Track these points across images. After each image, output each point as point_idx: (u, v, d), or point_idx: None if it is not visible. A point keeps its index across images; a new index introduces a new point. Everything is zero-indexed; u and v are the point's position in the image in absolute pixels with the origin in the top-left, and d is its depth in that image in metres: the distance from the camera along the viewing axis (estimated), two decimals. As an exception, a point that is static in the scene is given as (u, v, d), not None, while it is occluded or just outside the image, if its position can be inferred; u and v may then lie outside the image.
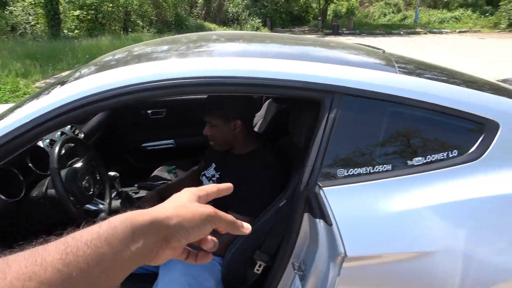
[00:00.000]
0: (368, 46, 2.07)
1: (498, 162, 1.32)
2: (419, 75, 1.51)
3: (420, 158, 1.31)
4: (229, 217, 0.57)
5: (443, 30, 22.15)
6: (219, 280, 1.65)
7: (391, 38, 19.58)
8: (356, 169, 1.29)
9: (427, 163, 1.31)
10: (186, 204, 0.54)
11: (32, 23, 17.38)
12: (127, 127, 2.90)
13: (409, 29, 22.24)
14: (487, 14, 24.17)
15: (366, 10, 31.09)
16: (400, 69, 1.46)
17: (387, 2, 28.95)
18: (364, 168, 1.29)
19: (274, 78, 1.27)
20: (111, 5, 18.00)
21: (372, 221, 1.25)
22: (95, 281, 0.41)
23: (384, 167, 1.30)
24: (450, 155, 1.32)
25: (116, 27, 18.93)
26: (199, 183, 1.87)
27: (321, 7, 26.55)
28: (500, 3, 22.57)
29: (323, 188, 1.25)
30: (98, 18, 18.09)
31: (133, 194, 2.29)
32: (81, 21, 18.09)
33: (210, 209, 0.55)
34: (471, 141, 1.34)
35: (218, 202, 1.74)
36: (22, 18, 17.24)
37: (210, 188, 0.62)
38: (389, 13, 28.49)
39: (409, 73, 1.46)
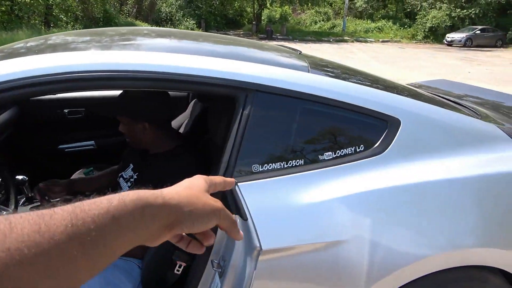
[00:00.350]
0: (287, 47, 2.14)
1: (399, 156, 1.43)
2: (330, 75, 1.59)
3: (330, 153, 1.38)
4: (233, 217, 0.58)
5: (368, 39, 23.60)
6: (138, 284, 1.60)
7: (321, 44, 20.44)
8: (270, 164, 1.33)
9: (336, 157, 1.39)
10: (198, 193, 0.54)
11: None
12: (41, 127, 2.71)
13: (337, 37, 23.40)
14: (406, 26, 26.17)
15: (299, 17, 32.15)
16: (312, 69, 1.53)
17: (317, 10, 30.19)
18: (278, 163, 1.33)
19: (184, 73, 1.27)
20: (28, -5, 16.79)
21: (285, 214, 1.29)
22: (94, 255, 0.40)
23: (297, 162, 1.35)
24: (358, 150, 1.41)
25: (36, 21, 17.68)
26: (115, 184, 1.80)
27: (255, 11, 26.99)
28: (416, 17, 24.54)
29: (238, 184, 1.27)
30: (14, 9, 16.75)
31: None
32: (-5, 13, 16.65)
33: (219, 203, 0.56)
34: (376, 136, 1.44)
35: None
36: None
37: (218, 180, 0.63)
38: (319, 21, 29.76)
39: (321, 72, 1.53)
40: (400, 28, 26.11)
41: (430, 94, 2.09)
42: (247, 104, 1.32)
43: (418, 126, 1.47)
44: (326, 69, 1.79)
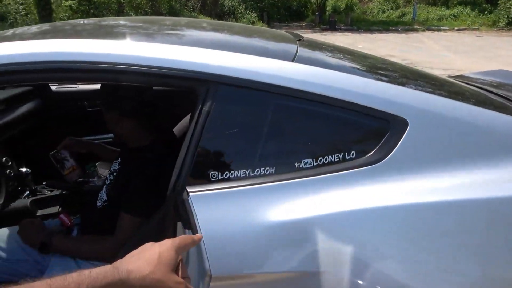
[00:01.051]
0: (291, 32, 1.86)
1: (403, 166, 1.12)
2: (322, 64, 1.31)
3: (309, 159, 1.12)
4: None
5: (441, 27, 21.84)
6: None
7: (387, 34, 19.29)
8: (232, 171, 1.10)
9: (318, 165, 1.12)
10: (162, 277, 0.60)
11: (22, 13, 17.11)
12: (62, 120, 2.69)
13: (406, 26, 21.94)
14: (486, 12, 23.85)
15: (365, 6, 30.72)
16: (301, 58, 1.26)
17: (386, -2, 28.58)
18: (243, 170, 1.10)
19: (126, 63, 1.07)
20: (103, -5, 17.76)
21: (247, 234, 1.06)
22: None
23: (267, 170, 1.10)
24: (347, 157, 1.13)
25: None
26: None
27: (318, 2, 26.22)
28: (499, 1, 22.27)
29: (190, 194, 1.06)
30: (90, 9, 17.82)
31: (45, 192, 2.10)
32: (74, 11, 17.81)
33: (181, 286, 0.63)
34: (373, 141, 1.15)
35: (113, 201, 1.59)
36: (12, 7, 16.98)
37: (187, 242, 0.70)
38: (387, 9, 28.13)
39: (311, 62, 1.26)
40: (479, 15, 23.83)
41: (473, 89, 1.70)
42: (207, 99, 1.10)
43: (433, 129, 1.15)
44: (323, 58, 1.50)
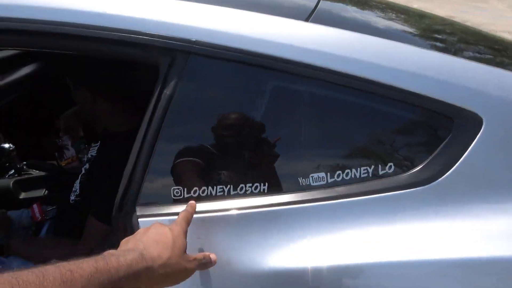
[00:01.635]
0: None
1: (471, 189, 0.72)
2: (353, 27, 0.87)
3: (322, 173, 0.73)
4: (202, 258, 0.65)
5: (508, -15, 19.66)
6: None
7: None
8: (204, 188, 0.74)
9: (334, 183, 0.73)
10: (179, 259, 0.61)
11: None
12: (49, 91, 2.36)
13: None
14: None
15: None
16: (321, 16, 0.85)
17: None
18: (219, 187, 0.74)
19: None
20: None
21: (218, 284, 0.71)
22: None
23: (256, 188, 0.74)
24: (380, 172, 0.73)
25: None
26: None
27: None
28: None
29: (139, 220, 0.72)
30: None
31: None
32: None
33: (193, 264, 0.63)
34: (425, 148, 0.74)
35: (87, 196, 1.30)
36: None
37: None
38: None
39: (335, 22, 0.84)
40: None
41: None
42: (170, 78, 0.73)
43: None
44: (354, 15, 1.06)
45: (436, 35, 1.10)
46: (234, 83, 0.75)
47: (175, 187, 0.74)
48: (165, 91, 0.73)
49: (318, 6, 0.89)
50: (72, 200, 1.30)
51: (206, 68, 0.74)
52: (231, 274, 0.71)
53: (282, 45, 0.73)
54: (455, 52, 0.94)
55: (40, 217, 1.36)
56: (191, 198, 0.73)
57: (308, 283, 0.71)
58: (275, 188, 0.74)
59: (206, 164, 0.75)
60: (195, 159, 0.76)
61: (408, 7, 1.42)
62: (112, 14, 0.73)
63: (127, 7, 0.75)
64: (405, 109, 0.73)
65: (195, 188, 0.74)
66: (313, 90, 0.73)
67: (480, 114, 0.72)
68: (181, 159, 0.76)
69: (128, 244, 0.61)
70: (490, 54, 1.08)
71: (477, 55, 1.04)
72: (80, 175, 1.32)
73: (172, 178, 0.75)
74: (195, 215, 0.68)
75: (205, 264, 0.65)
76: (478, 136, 0.71)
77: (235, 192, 0.73)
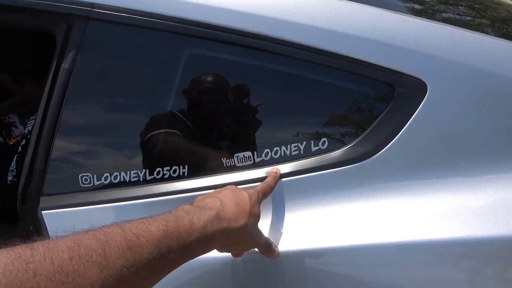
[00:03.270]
0: None
1: (411, 165, 0.65)
2: None
3: (247, 153, 0.65)
4: (269, 242, 0.61)
5: None
6: None
7: None
8: (116, 172, 0.66)
9: (261, 163, 0.66)
10: (253, 229, 0.57)
11: None
12: None
13: None
14: None
15: None
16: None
17: None
18: (134, 172, 0.65)
19: None
20: None
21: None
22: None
23: (174, 171, 0.66)
24: (313, 148, 0.66)
25: None
26: None
27: None
28: None
29: (43, 212, 0.64)
30: None
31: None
32: None
33: (261, 242, 0.59)
34: (361, 120, 0.66)
35: None
36: None
37: (266, 190, 0.62)
38: None
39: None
40: None
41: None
42: (69, 47, 0.63)
43: (475, 97, 0.65)
44: None
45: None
46: (143, 51, 0.65)
47: (83, 174, 0.65)
48: (63, 64, 0.63)
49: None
50: (9, 181, 1.21)
51: (110, 36, 0.64)
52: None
53: (199, 5, 0.62)
54: (410, 11, 0.84)
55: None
56: (99, 186, 0.65)
57: (252, 268, 0.66)
58: (195, 171, 0.66)
59: (112, 150, 0.66)
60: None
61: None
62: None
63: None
64: (338, 76, 0.64)
65: (104, 174, 0.65)
66: (234, 58, 0.64)
67: (424, 79, 0.64)
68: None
69: (205, 199, 0.56)
70: (459, 14, 0.98)
71: (443, 16, 0.94)
72: (16, 154, 1.23)
73: (78, 163, 0.66)
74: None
75: (268, 249, 0.60)
76: (421, 105, 0.64)
77: (151, 177, 0.65)
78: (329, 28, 0.61)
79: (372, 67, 0.62)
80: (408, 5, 0.91)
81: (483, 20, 0.95)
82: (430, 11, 0.92)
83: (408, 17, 0.69)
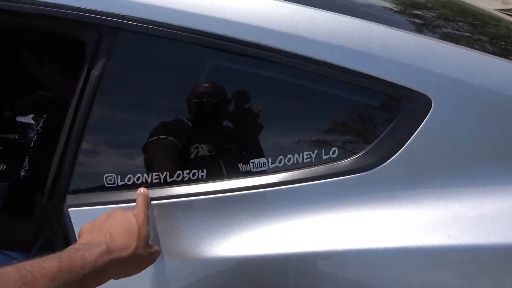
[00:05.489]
0: None
1: (416, 176, 0.69)
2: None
3: (262, 160, 0.70)
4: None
5: None
6: None
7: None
8: (139, 174, 0.70)
9: (275, 169, 0.70)
10: (142, 250, 0.59)
11: None
12: None
13: None
14: None
15: None
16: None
17: None
18: (155, 174, 0.70)
19: None
20: None
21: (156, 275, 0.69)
22: None
23: (194, 174, 0.70)
24: (324, 157, 0.70)
25: None
26: None
27: None
28: None
29: (69, 209, 0.68)
30: None
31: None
32: None
33: (153, 257, 0.62)
34: (369, 131, 0.71)
35: (35, 171, 1.24)
36: None
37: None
38: None
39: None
40: None
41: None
42: (98, 56, 0.67)
43: (475, 112, 0.70)
44: None
45: (409, 10, 1.04)
46: (169, 61, 0.70)
47: (108, 174, 0.69)
48: (93, 71, 0.67)
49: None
50: (22, 176, 1.24)
51: (138, 46, 0.68)
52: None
53: (220, 20, 0.67)
54: (417, 29, 0.89)
55: (-11, 195, 1.32)
56: (123, 186, 0.70)
57: (257, 270, 0.70)
58: (212, 175, 0.70)
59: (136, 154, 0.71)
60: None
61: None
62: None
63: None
64: (349, 90, 0.69)
65: (127, 175, 0.70)
66: (252, 70, 0.69)
67: (428, 95, 0.68)
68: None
69: (92, 233, 0.58)
70: (459, 31, 1.03)
71: (444, 32, 0.99)
72: (29, 149, 1.27)
73: (104, 165, 0.70)
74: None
75: (157, 255, 0.64)
76: (426, 119, 0.68)
77: (171, 179, 0.70)
78: (346, 46, 0.66)
79: (381, 82, 0.67)
80: (410, 19, 0.96)
81: (481, 37, 1.00)
82: (431, 26, 0.96)
83: (415, 36, 0.74)
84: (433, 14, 1.05)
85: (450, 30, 0.96)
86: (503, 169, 0.68)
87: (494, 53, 0.84)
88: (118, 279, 0.58)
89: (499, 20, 1.22)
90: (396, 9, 1.00)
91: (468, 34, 0.99)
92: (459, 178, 0.70)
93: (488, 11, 1.32)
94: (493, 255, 0.69)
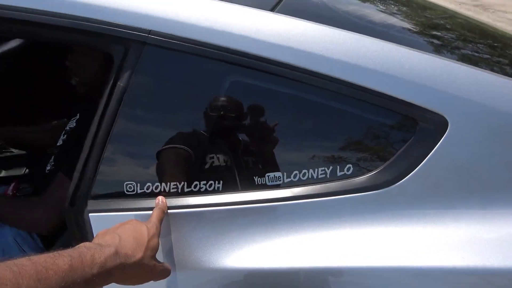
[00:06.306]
0: None
1: (432, 194, 0.70)
2: (324, 18, 0.83)
3: (278, 173, 0.71)
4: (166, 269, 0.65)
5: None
6: None
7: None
8: (157, 183, 0.72)
9: (291, 183, 0.71)
10: (149, 261, 0.61)
11: None
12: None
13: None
14: None
15: None
16: (290, 5, 0.81)
17: None
18: (173, 184, 0.72)
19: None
20: None
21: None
22: None
23: (210, 185, 0.72)
24: (338, 173, 0.71)
25: None
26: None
27: None
28: None
29: (90, 215, 0.70)
30: None
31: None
32: None
33: (160, 268, 0.64)
34: (385, 150, 0.72)
35: (62, 163, 1.28)
36: None
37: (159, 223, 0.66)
38: None
39: (305, 13, 0.80)
40: None
41: None
42: (125, 68, 0.70)
43: (489, 136, 0.70)
44: (332, 4, 1.01)
45: (428, 31, 1.05)
46: (189, 75, 0.72)
47: (128, 182, 0.72)
48: (119, 83, 0.70)
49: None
50: (47, 170, 1.29)
51: (162, 60, 0.71)
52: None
53: (238, 35, 0.69)
54: (436, 50, 0.89)
55: (11, 193, 1.36)
56: (142, 194, 0.72)
57: (268, 283, 0.71)
58: (229, 186, 0.72)
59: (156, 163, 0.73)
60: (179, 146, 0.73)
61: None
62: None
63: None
64: (367, 109, 0.70)
65: (147, 184, 0.72)
66: (271, 86, 0.71)
67: (445, 116, 0.69)
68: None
69: (105, 236, 0.60)
70: (479, 52, 1.03)
71: (463, 53, 0.99)
72: (56, 147, 1.31)
73: (124, 172, 0.73)
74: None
75: (164, 274, 0.65)
76: (442, 139, 0.69)
77: (188, 189, 0.72)
78: (365, 65, 0.68)
79: (399, 102, 0.68)
80: (429, 40, 0.97)
81: (501, 59, 1.00)
82: (449, 47, 0.97)
83: (434, 57, 0.75)
84: (452, 35, 1.06)
85: (469, 52, 0.96)
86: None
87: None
88: (121, 284, 0.60)
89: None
90: (415, 30, 1.01)
91: (488, 56, 0.99)
92: (473, 200, 0.70)
93: (509, 33, 1.32)
94: (508, 280, 0.68)
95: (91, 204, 0.71)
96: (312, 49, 0.69)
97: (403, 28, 0.98)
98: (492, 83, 0.74)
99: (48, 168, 1.27)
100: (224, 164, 0.72)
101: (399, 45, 0.73)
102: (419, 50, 0.75)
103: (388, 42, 0.74)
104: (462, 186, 0.70)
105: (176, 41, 0.69)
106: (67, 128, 1.35)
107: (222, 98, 0.72)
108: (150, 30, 0.69)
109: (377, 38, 0.75)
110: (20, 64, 1.63)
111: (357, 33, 0.73)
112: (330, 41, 0.70)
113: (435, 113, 0.69)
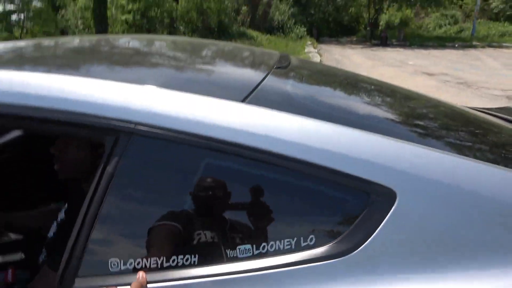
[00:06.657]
0: (281, 54, 1.50)
1: (384, 260, 0.77)
2: (290, 106, 0.96)
3: (247, 246, 0.79)
4: None
5: (503, 44, 20.28)
6: None
7: (443, 51, 18.13)
8: (139, 260, 0.79)
9: (259, 255, 0.79)
10: None
11: (81, 27, 18.08)
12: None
13: (465, 42, 20.55)
14: (556, 27, 21.94)
15: (421, 21, 29.40)
16: (259, 96, 0.94)
17: (443, 13, 27.08)
18: (153, 259, 0.79)
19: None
20: (157, 10, 18.36)
21: None
22: None
23: (187, 259, 0.79)
24: (302, 244, 0.79)
25: (163, 33, 19.21)
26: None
27: (371, 17, 25.54)
28: None
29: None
30: (143, 24, 18.46)
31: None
32: (129, 26, 18.52)
33: None
34: (343, 222, 0.80)
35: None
36: (72, 22, 18.02)
37: None
38: (445, 24, 26.65)
39: (272, 102, 0.93)
40: (548, 30, 22.00)
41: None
42: (113, 155, 0.81)
43: (436, 206, 0.79)
44: (299, 93, 1.15)
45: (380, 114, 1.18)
46: (170, 160, 0.83)
47: (112, 259, 0.79)
48: (107, 169, 0.81)
49: (259, 86, 0.99)
50: (40, 261, 1.34)
51: (147, 147, 0.82)
52: None
53: (208, 124, 0.81)
54: (395, 134, 1.01)
55: (11, 280, 1.40)
56: (124, 271, 0.79)
57: None
58: (204, 259, 0.79)
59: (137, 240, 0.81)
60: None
61: (369, 79, 1.52)
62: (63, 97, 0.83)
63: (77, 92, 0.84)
64: (325, 185, 0.79)
65: (129, 260, 0.79)
66: (240, 167, 0.81)
67: (393, 189, 0.78)
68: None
69: None
70: (454, 138, 1.09)
71: (439, 138, 1.07)
72: (47, 238, 1.37)
73: (109, 250, 0.80)
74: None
75: None
76: (391, 211, 0.77)
77: (167, 264, 0.79)
78: (325, 148, 0.78)
79: (353, 178, 0.78)
80: (412, 129, 1.08)
81: (482, 146, 1.09)
82: (433, 136, 1.07)
83: (382, 137, 0.86)
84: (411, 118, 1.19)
85: (451, 140, 1.07)
86: (463, 260, 0.75)
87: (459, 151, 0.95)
88: None
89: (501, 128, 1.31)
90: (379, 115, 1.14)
91: (468, 143, 1.08)
92: (427, 262, 0.77)
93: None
94: None
95: (78, 281, 0.78)
96: (276, 134, 0.81)
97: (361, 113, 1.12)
98: (436, 159, 0.84)
99: (41, 258, 1.33)
100: (203, 239, 0.80)
101: (353, 128, 0.85)
102: (374, 133, 0.86)
103: (347, 126, 0.86)
104: (415, 253, 0.77)
105: (159, 131, 0.81)
106: (58, 219, 1.43)
107: (200, 180, 0.82)
108: (138, 122, 0.81)
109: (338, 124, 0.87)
110: (16, 152, 1.74)
111: (319, 120, 0.85)
112: (294, 127, 0.81)
113: (385, 186, 0.78)
